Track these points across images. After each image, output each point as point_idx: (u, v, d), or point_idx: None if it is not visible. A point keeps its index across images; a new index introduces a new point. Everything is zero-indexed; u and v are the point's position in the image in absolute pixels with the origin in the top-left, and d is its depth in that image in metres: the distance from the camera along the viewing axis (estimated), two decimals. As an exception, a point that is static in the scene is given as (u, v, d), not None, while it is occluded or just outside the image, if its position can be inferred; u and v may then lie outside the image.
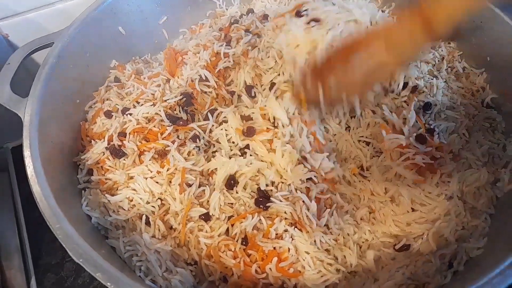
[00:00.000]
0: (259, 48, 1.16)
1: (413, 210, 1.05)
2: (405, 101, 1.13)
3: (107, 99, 1.26)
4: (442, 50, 1.29)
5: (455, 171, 1.08)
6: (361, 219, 1.08)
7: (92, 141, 1.16)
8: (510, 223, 1.01)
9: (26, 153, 0.98)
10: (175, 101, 1.16)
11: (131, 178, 1.06)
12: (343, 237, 1.04)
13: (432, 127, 1.10)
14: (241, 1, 1.64)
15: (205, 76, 1.17)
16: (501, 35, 1.21)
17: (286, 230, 1.00)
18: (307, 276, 0.96)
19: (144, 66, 1.41)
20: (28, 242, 1.25)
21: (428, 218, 1.04)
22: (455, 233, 1.02)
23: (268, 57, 1.14)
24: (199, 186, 1.05)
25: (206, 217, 1.02)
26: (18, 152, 0.99)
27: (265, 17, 1.32)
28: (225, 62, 1.18)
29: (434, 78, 1.16)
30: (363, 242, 1.06)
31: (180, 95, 1.17)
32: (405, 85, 1.12)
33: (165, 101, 1.16)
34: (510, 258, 0.83)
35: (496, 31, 1.23)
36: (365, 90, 1.03)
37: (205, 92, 1.19)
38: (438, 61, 1.25)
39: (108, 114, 1.19)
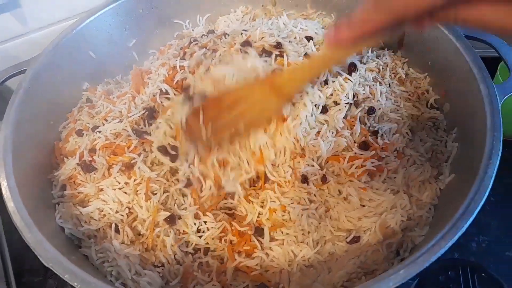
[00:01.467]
0: (212, 59, 1.26)
1: (362, 206, 1.14)
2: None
3: (79, 119, 1.35)
4: (386, 58, 1.41)
5: (400, 167, 1.18)
6: (319, 217, 1.17)
7: (65, 158, 1.24)
8: (450, 210, 1.10)
9: (1, 176, 1.06)
10: (139, 116, 1.24)
11: (101, 190, 1.15)
12: (303, 234, 1.12)
13: (376, 129, 1.20)
14: (206, 21, 1.74)
15: (165, 89, 1.27)
16: (439, 42, 1.33)
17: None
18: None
19: (114, 87, 1.50)
20: (10, 261, 1.31)
21: (377, 211, 1.12)
22: (401, 223, 1.10)
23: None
24: (164, 193, 1.14)
25: (171, 220, 1.10)
26: (-4, 173, 1.06)
27: (224, 35, 1.42)
28: (182, 73, 1.27)
29: (377, 83, 1.27)
30: (321, 237, 1.14)
31: (143, 110, 1.26)
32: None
33: (131, 116, 1.24)
34: (437, 237, 0.92)
35: (434, 38, 1.35)
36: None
37: (165, 104, 1.28)
38: (382, 68, 1.36)
39: (80, 133, 1.28)
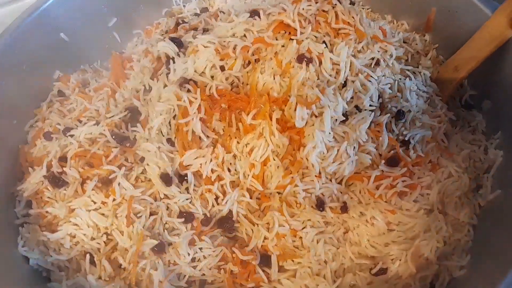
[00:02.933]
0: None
1: (390, 230, 0.95)
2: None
3: (48, 118, 1.13)
4: (417, 44, 1.19)
5: (435, 182, 0.99)
6: (337, 240, 0.98)
7: (30, 168, 1.03)
8: (494, 235, 0.92)
9: None
10: (120, 118, 1.03)
11: (73, 211, 0.94)
12: (319, 264, 0.94)
13: (406, 138, 1.00)
14: (200, -3, 1.50)
15: (149, 86, 1.05)
16: (479, 25, 1.10)
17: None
18: None
19: (92, 76, 1.28)
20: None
21: (407, 236, 0.94)
22: (436, 250, 0.92)
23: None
24: (150, 215, 0.94)
25: (160, 249, 0.91)
26: None
27: (219, 13, 1.19)
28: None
29: (407, 78, 1.05)
30: (340, 266, 0.96)
31: (125, 110, 1.04)
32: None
33: (109, 118, 1.03)
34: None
35: (471, 19, 1.13)
36: None
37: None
38: (412, 57, 1.15)
39: (48, 136, 1.07)
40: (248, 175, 0.96)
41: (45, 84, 1.23)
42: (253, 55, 1.02)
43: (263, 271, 0.93)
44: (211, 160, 0.97)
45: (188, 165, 0.98)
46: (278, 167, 0.96)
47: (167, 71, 1.05)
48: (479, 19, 1.09)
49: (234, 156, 0.99)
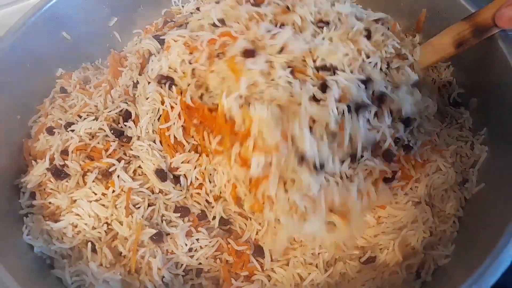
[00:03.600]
0: None
1: (379, 223, 0.99)
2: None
3: (50, 114, 1.16)
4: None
5: (423, 176, 1.03)
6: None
7: (34, 161, 1.07)
8: (477, 225, 0.96)
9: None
10: (116, 113, 1.07)
11: (74, 201, 0.98)
12: (312, 255, 0.98)
13: (410, 144, 1.03)
14: (198, -3, 1.54)
15: (137, 81, 1.10)
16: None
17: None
18: None
19: (93, 74, 1.31)
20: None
21: (395, 227, 0.99)
22: (422, 240, 0.97)
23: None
24: (148, 206, 0.98)
25: (158, 238, 0.95)
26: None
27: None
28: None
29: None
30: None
31: (120, 107, 1.08)
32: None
33: (107, 113, 1.07)
34: (479, 269, 0.78)
35: (459, 19, 1.16)
36: None
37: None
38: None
39: (50, 131, 1.10)
40: (225, 191, 1.00)
41: (48, 81, 1.26)
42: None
43: (257, 260, 0.97)
44: (195, 167, 1.01)
45: (177, 168, 1.02)
46: (245, 194, 0.97)
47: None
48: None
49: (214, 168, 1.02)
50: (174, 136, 1.02)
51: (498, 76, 1.05)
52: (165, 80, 1.04)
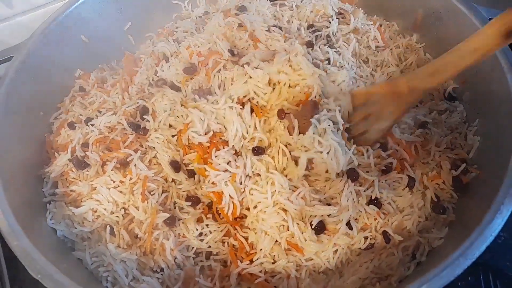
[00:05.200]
0: None
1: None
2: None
3: (71, 110, 1.26)
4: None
5: (419, 163, 1.10)
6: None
7: (56, 153, 1.16)
8: (469, 208, 1.02)
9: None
10: (134, 108, 1.16)
11: (95, 189, 1.06)
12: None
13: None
14: (207, 2, 1.62)
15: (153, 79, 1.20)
16: (460, 26, 1.22)
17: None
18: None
19: (109, 74, 1.40)
20: (4, 259, 1.23)
21: (392, 212, 1.05)
22: (418, 224, 1.03)
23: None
24: (162, 193, 1.06)
25: (171, 222, 1.03)
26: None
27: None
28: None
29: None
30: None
31: (138, 102, 1.17)
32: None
33: (126, 108, 1.16)
34: (466, 242, 0.84)
35: (455, 22, 1.24)
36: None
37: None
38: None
39: (71, 125, 1.19)
40: None
41: (68, 81, 1.35)
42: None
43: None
44: None
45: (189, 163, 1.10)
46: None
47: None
48: (460, 19, 1.21)
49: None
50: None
51: (488, 72, 1.12)
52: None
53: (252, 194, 1.03)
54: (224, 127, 1.07)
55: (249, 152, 1.06)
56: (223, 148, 1.06)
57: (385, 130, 1.10)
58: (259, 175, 1.05)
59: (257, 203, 1.03)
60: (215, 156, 1.04)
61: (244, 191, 1.04)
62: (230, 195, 1.02)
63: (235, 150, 1.07)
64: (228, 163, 1.04)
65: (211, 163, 1.05)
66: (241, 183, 1.04)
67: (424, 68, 1.04)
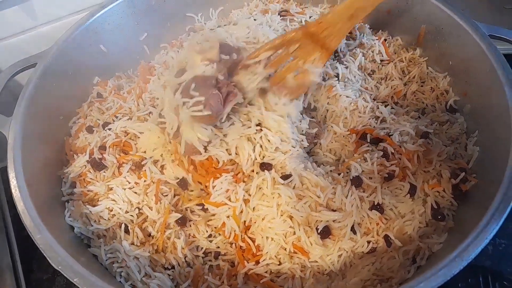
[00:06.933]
0: None
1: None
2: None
3: (89, 115, 1.32)
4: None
5: (420, 171, 1.14)
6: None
7: (75, 155, 1.22)
8: (468, 214, 1.06)
9: (11, 174, 1.04)
10: (147, 114, 1.23)
11: (111, 189, 1.13)
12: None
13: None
14: (219, 15, 1.70)
15: None
16: (461, 42, 1.27)
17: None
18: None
19: (125, 81, 1.47)
20: (20, 260, 1.30)
21: (394, 218, 1.09)
22: (418, 230, 1.07)
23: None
24: (175, 196, 1.12)
25: (183, 222, 1.08)
26: (6, 172, 1.04)
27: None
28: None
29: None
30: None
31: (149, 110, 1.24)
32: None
33: (140, 115, 1.23)
34: (462, 244, 0.88)
35: (457, 37, 1.29)
36: None
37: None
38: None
39: (90, 129, 1.26)
40: None
41: (86, 88, 1.43)
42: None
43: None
44: None
45: None
46: None
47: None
48: (461, 35, 1.27)
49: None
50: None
51: (488, 86, 1.17)
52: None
53: (259, 210, 1.08)
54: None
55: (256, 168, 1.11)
56: (220, 176, 1.10)
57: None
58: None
59: (264, 216, 1.08)
60: (213, 187, 1.09)
61: (248, 213, 1.09)
62: (231, 227, 1.08)
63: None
64: (227, 191, 1.08)
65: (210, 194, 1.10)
66: (241, 212, 1.08)
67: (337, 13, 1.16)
